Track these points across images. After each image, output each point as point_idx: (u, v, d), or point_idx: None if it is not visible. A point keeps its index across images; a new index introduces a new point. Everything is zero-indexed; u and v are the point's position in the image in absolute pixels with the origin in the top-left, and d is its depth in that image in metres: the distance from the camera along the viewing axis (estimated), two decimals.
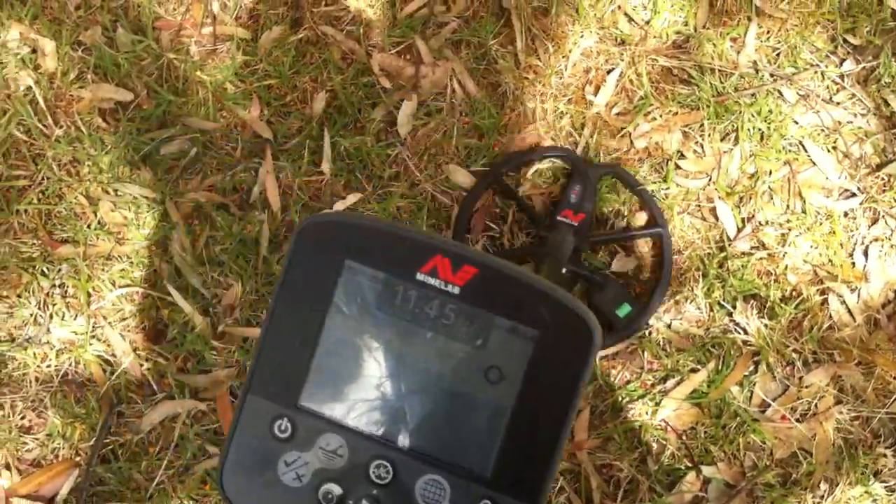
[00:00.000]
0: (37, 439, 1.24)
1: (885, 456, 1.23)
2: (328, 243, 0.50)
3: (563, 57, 1.34)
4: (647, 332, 1.26)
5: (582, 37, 1.34)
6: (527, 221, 1.28)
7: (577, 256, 1.23)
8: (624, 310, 1.22)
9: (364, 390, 0.50)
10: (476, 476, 0.49)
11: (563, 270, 1.19)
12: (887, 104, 1.35)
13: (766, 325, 1.25)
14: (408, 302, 0.49)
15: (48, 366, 1.26)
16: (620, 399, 1.25)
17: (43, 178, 1.29)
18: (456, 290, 0.49)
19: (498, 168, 1.28)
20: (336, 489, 0.49)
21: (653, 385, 1.25)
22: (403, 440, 0.49)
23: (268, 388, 0.50)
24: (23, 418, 1.25)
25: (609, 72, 1.34)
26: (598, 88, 1.33)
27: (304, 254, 0.50)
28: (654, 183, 1.30)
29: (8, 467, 1.24)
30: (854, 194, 1.32)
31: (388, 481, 0.49)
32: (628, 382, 1.26)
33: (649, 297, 1.24)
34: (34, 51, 1.32)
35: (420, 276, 0.49)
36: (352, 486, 0.49)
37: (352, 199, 1.28)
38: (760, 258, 1.28)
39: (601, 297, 1.22)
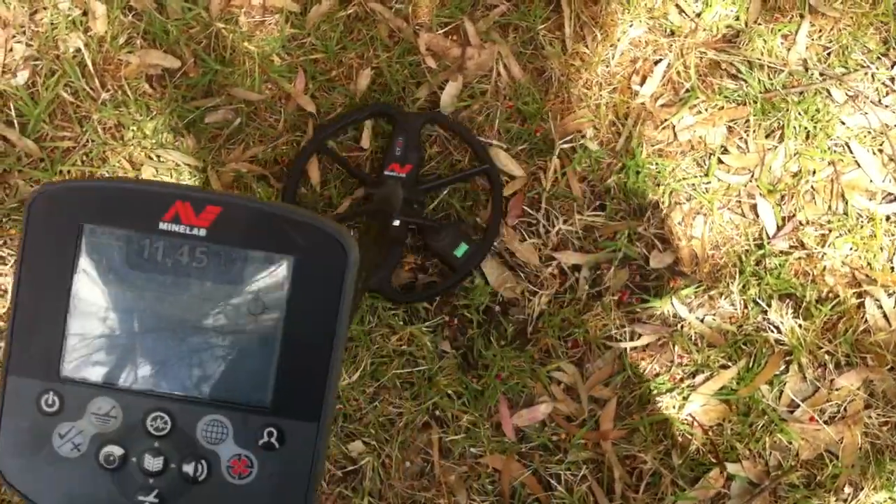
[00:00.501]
0: None
1: None
2: (63, 210, 0.49)
3: (611, 46, 1.33)
4: (679, 326, 1.26)
5: (631, 26, 1.33)
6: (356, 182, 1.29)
7: (410, 207, 1.23)
8: (461, 249, 1.22)
9: (126, 349, 0.49)
10: (255, 407, 0.49)
11: (397, 223, 1.19)
12: None
13: (800, 326, 1.25)
14: (156, 253, 0.49)
15: None
16: (648, 391, 1.25)
17: (88, 141, 1.31)
18: (202, 233, 0.48)
19: (319, 133, 1.28)
20: (116, 450, 0.49)
21: (682, 379, 1.25)
22: (175, 388, 0.49)
23: (26, 366, 0.49)
24: None
25: (656, 63, 1.33)
26: (644, 79, 1.32)
27: (40, 224, 0.49)
28: (696, 177, 1.30)
29: None
30: None
31: (168, 431, 0.49)
32: (657, 375, 1.26)
33: (484, 233, 1.25)
34: (85, 13, 1.33)
35: (163, 226, 0.48)
36: (131, 443, 0.49)
37: None
38: (799, 258, 1.27)
39: (438, 241, 1.23)
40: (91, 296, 0.49)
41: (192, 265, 0.49)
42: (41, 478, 0.49)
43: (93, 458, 0.49)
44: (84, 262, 0.49)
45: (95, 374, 0.49)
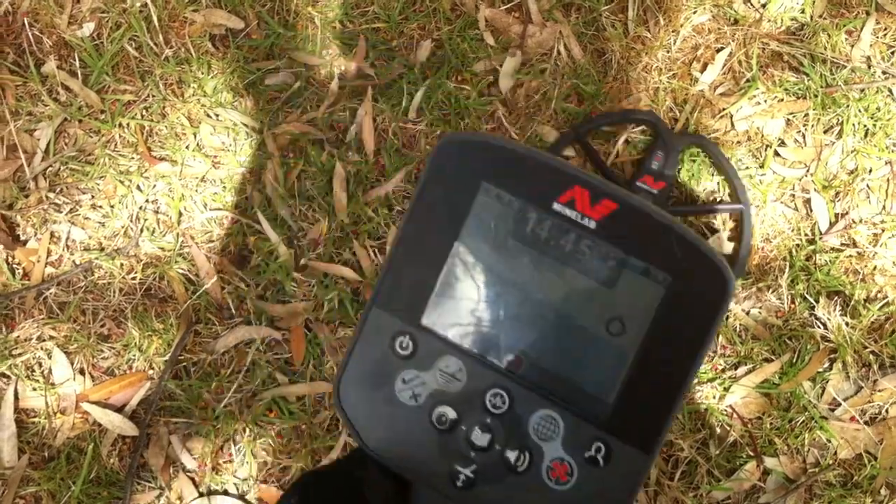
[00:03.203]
0: (113, 348, 1.28)
1: None
2: (466, 163, 0.48)
3: (674, 31, 1.32)
4: (724, 317, 1.25)
5: (695, 13, 1.32)
6: None
7: None
8: None
9: (487, 317, 0.49)
10: (592, 417, 0.47)
11: None
12: None
13: (846, 324, 1.24)
14: (541, 231, 0.48)
15: (133, 278, 1.29)
16: None
17: (148, 96, 1.32)
18: (592, 225, 0.47)
19: (580, 127, 1.27)
20: (450, 412, 0.49)
21: (724, 370, 1.25)
22: (522, 372, 0.48)
23: (392, 303, 0.49)
24: (102, 326, 1.29)
25: (718, 51, 1.32)
26: (705, 66, 1.32)
27: (441, 171, 0.49)
28: (750, 168, 1.29)
29: (82, 372, 1.28)
30: None
31: (503, 411, 0.48)
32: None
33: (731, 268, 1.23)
34: None
35: (557, 207, 0.47)
36: (466, 411, 0.49)
37: None
38: (849, 256, 1.26)
39: None
40: (470, 255, 0.48)
41: (574, 254, 0.47)
42: (372, 413, 0.50)
43: (426, 413, 0.49)
44: (473, 220, 0.48)
45: (453, 332, 0.49)
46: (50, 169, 1.32)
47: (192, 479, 1.25)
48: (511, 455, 0.48)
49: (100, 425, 1.25)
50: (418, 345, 0.49)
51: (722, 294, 0.46)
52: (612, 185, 0.48)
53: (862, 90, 1.30)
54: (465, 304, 0.49)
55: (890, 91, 1.31)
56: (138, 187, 1.31)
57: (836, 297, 1.25)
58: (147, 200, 1.31)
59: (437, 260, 0.49)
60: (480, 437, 0.49)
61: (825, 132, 1.30)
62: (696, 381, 1.24)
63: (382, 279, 0.50)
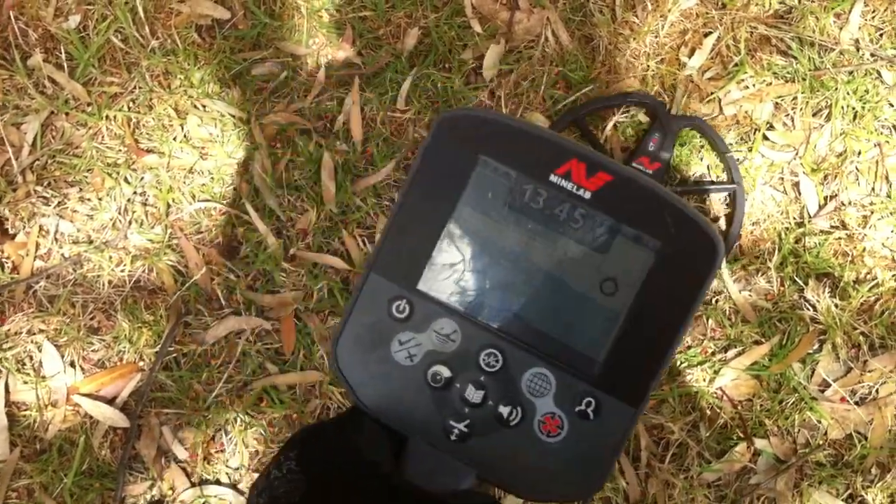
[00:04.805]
0: (103, 340, 1.28)
1: None
2: (465, 136, 0.50)
3: (661, 16, 1.32)
4: (713, 300, 1.26)
5: None
6: None
7: None
8: None
9: (482, 281, 0.51)
10: (582, 374, 0.50)
11: None
12: None
13: (836, 305, 1.24)
14: (538, 202, 0.50)
15: (122, 270, 1.29)
16: (679, 363, 1.25)
17: (135, 87, 1.32)
18: (587, 195, 0.49)
19: (578, 110, 1.27)
20: (445, 371, 0.51)
21: (713, 353, 1.25)
22: (515, 332, 0.50)
23: (390, 269, 0.51)
24: (92, 318, 1.29)
25: (706, 35, 1.32)
26: (693, 51, 1.31)
27: (441, 144, 0.51)
28: (739, 152, 1.29)
29: (73, 365, 1.28)
30: None
31: (497, 370, 0.50)
32: (689, 348, 1.26)
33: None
34: None
35: (553, 178, 0.50)
36: (460, 370, 0.51)
37: None
38: (839, 238, 1.26)
39: None
40: (467, 223, 0.51)
41: (568, 223, 0.50)
42: (369, 373, 0.52)
43: (422, 372, 0.51)
44: (470, 191, 0.50)
45: (448, 296, 0.51)
46: (37, 162, 1.32)
47: (184, 470, 1.25)
48: (504, 410, 0.51)
49: (91, 417, 1.25)
50: (414, 308, 0.51)
51: (711, 259, 0.49)
52: (607, 158, 0.50)
53: (850, 73, 1.30)
54: (460, 269, 0.51)
55: (878, 73, 1.31)
56: (126, 179, 1.31)
57: (825, 279, 1.26)
58: (135, 192, 1.31)
59: (435, 228, 0.51)
60: (474, 394, 0.51)
61: (814, 115, 1.30)
62: (687, 365, 1.24)
63: (381, 246, 0.52)
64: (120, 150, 1.32)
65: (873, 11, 1.33)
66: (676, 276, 0.49)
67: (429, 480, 0.50)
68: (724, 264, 1.25)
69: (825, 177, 1.29)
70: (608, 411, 0.50)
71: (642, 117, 1.29)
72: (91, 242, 1.30)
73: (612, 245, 0.49)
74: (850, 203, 1.28)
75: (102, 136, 1.32)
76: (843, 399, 1.23)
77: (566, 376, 0.50)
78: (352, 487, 0.47)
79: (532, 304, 0.50)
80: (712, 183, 1.28)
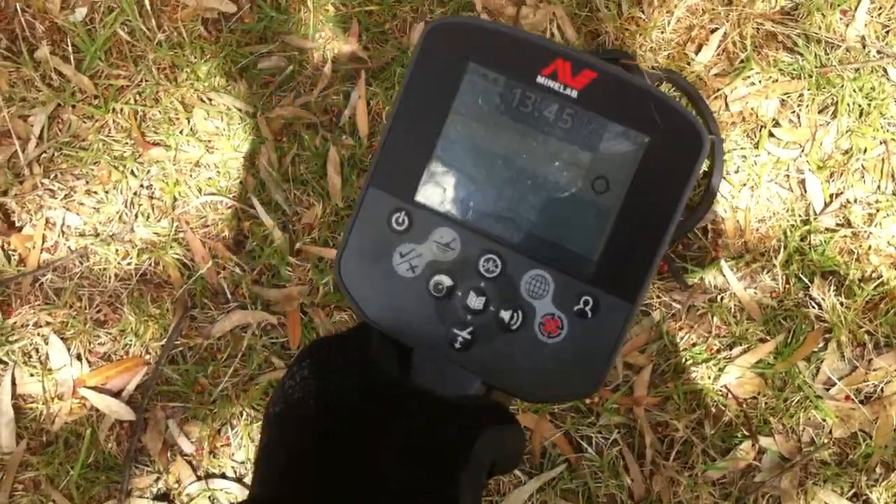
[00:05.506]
0: (110, 334, 1.29)
1: None
2: (453, 45, 0.51)
3: (668, 12, 1.32)
4: (718, 298, 1.26)
5: None
6: None
7: None
8: None
9: (478, 188, 0.52)
10: (579, 274, 0.50)
11: None
12: None
13: (841, 304, 1.24)
14: (527, 104, 0.50)
15: (128, 263, 1.30)
16: (684, 361, 1.25)
17: (141, 80, 1.32)
18: (574, 94, 0.49)
19: None
20: (446, 280, 0.51)
21: (718, 350, 1.25)
22: (512, 237, 0.51)
23: (388, 182, 0.52)
24: (98, 312, 1.29)
25: (713, 31, 1.31)
26: (699, 47, 1.31)
27: (430, 54, 0.51)
28: (745, 149, 1.29)
29: (79, 358, 1.28)
30: None
31: (496, 275, 0.51)
32: (694, 345, 1.26)
33: (697, 205, 1.25)
34: None
35: (541, 80, 0.50)
36: (461, 277, 0.51)
37: None
38: (844, 236, 1.26)
39: None
40: (459, 132, 0.51)
41: (557, 124, 0.50)
42: (372, 287, 0.52)
43: (423, 282, 0.52)
44: (461, 98, 0.51)
45: (445, 205, 0.52)
46: (44, 155, 1.32)
47: (190, 463, 1.25)
48: (505, 315, 0.51)
49: (97, 410, 1.26)
50: (413, 220, 0.52)
51: (697, 148, 0.49)
52: (591, 56, 0.51)
53: (856, 70, 1.30)
54: (456, 178, 0.52)
55: (884, 70, 1.31)
56: (132, 172, 1.31)
57: (830, 277, 1.26)
58: (141, 186, 1.31)
59: (429, 139, 0.51)
60: (476, 301, 0.51)
61: (820, 112, 1.30)
62: (692, 363, 1.24)
63: (378, 160, 0.52)
64: (126, 143, 1.32)
65: (879, 9, 1.33)
66: (664, 169, 0.50)
67: (435, 390, 0.51)
68: (725, 265, 1.26)
69: (831, 174, 1.29)
70: (606, 308, 0.51)
71: None
72: (97, 235, 1.31)
73: (601, 143, 0.50)
74: (855, 201, 1.27)
75: (109, 129, 1.32)
76: (847, 397, 1.23)
77: (563, 276, 0.51)
78: (365, 389, 0.48)
79: (527, 207, 0.51)
80: None
